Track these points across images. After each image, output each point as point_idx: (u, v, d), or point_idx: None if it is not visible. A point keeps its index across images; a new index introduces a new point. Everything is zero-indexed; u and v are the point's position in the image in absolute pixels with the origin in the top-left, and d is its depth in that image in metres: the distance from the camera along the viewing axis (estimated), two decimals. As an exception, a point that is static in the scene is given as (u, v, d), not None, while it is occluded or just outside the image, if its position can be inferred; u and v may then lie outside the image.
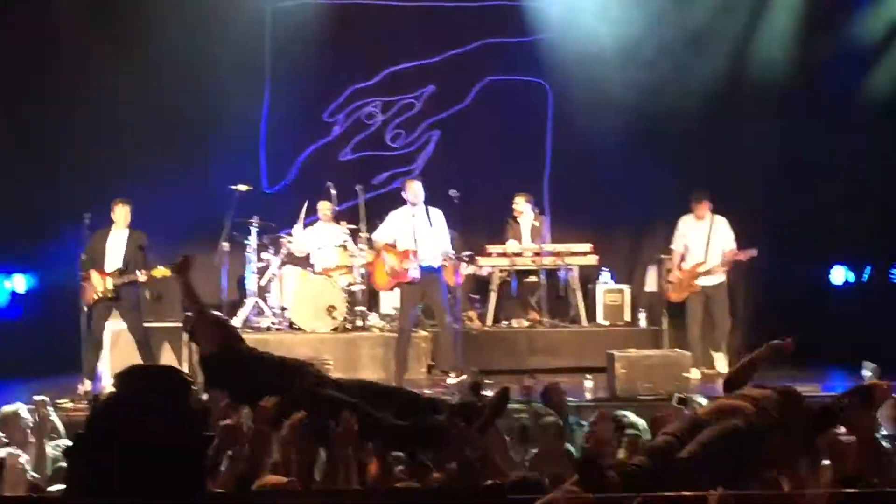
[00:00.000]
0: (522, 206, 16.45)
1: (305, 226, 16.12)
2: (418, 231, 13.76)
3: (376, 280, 14.45)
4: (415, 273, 13.66)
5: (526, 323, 16.02)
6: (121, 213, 14.01)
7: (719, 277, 14.93)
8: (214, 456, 5.95)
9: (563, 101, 17.70)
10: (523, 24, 17.63)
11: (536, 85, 17.81)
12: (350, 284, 15.57)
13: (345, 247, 15.84)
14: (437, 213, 13.83)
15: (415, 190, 13.86)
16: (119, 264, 13.82)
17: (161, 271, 13.59)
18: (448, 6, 17.47)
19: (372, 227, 15.76)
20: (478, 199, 15.52)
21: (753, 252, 14.76)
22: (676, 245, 15.25)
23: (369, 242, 15.68)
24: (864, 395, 6.76)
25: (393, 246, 13.97)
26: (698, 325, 14.93)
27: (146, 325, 14.15)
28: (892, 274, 16.87)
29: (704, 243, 15.01)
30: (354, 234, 15.80)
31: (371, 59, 17.57)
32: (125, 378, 2.65)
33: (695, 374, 14.07)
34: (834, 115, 16.70)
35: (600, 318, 16.30)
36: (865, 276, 16.93)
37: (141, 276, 13.59)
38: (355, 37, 17.34)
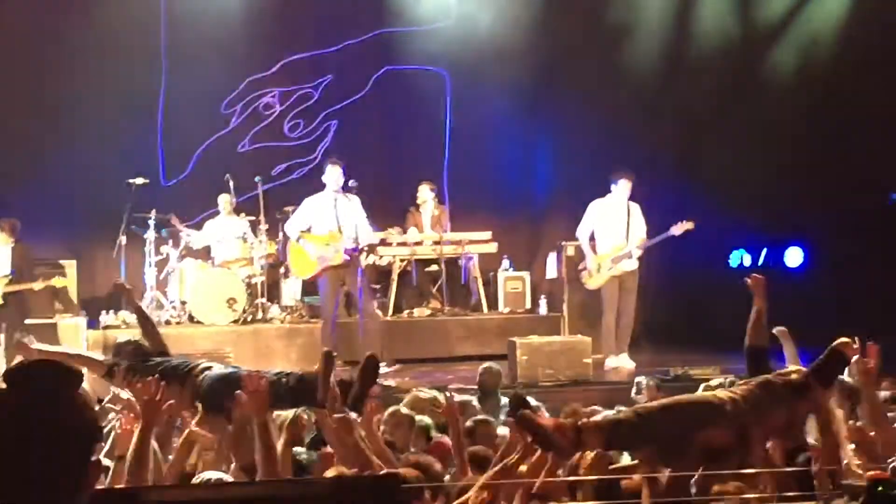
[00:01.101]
0: (426, 195, 16.44)
1: (200, 222, 16.04)
2: (341, 216, 13.42)
3: (298, 269, 14.10)
4: (341, 257, 13.36)
5: (427, 312, 16.03)
6: (3, 237, 13.92)
7: (633, 264, 14.45)
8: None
9: (462, 88, 17.74)
10: (420, 13, 17.64)
11: (434, 73, 17.82)
12: (250, 276, 15.50)
13: (244, 239, 15.76)
14: (355, 200, 13.64)
15: (335, 173, 13.54)
16: (6, 272, 13.75)
17: (61, 281, 13.68)
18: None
19: (272, 219, 15.73)
20: (377, 189, 15.50)
21: (689, 225, 14.13)
22: (585, 229, 14.68)
23: (269, 234, 15.64)
24: (838, 360, 6.92)
25: (308, 231, 13.70)
26: (614, 312, 14.45)
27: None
28: (789, 256, 17.15)
29: (624, 226, 14.46)
30: (254, 226, 15.73)
31: (268, 49, 17.46)
32: (11, 375, 2.63)
33: (612, 361, 14.10)
34: (743, 93, 16.93)
35: (501, 306, 16.35)
36: (761, 259, 17.18)
37: (37, 285, 13.57)
38: (251, 26, 17.23)
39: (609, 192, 14.52)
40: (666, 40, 17.51)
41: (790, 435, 6.67)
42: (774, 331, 8.08)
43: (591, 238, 14.70)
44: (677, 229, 14.14)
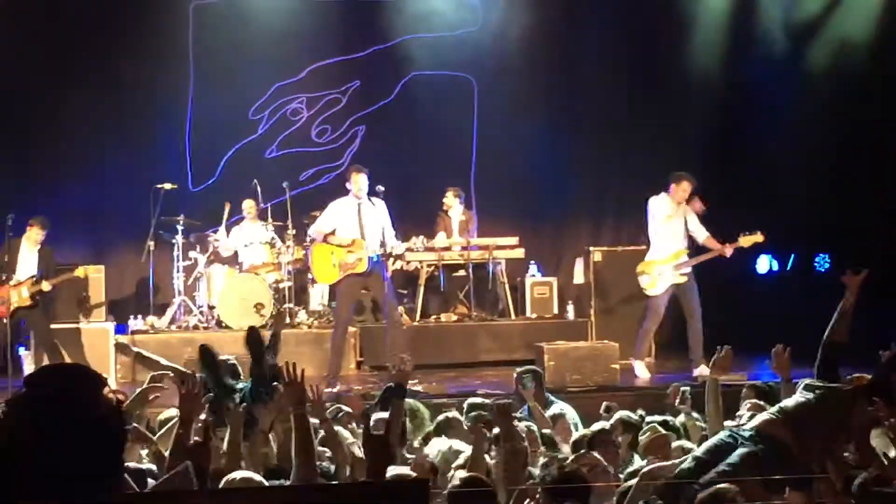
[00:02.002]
0: (451, 201, 16.46)
1: (229, 226, 16.08)
2: (366, 222, 13.27)
3: (319, 274, 13.93)
4: (364, 265, 13.17)
5: (454, 317, 16.03)
6: (34, 235, 13.93)
7: (688, 269, 13.84)
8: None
9: (489, 94, 17.75)
10: (447, 19, 17.65)
11: (462, 79, 17.83)
12: (277, 281, 15.54)
13: (272, 244, 15.80)
14: (381, 205, 13.56)
15: (361, 181, 13.34)
16: (33, 272, 13.83)
17: (82, 270, 13.76)
18: (371, 1, 17.49)
19: (299, 224, 15.76)
20: (405, 194, 15.53)
21: (759, 237, 13.53)
22: (653, 230, 13.94)
23: (297, 239, 15.67)
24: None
25: (333, 233, 13.61)
26: (657, 320, 13.91)
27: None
28: (817, 262, 17.08)
29: (683, 230, 13.89)
30: (281, 232, 15.77)
31: (295, 55, 17.50)
32: (36, 378, 2.65)
33: (641, 371, 13.80)
34: (757, 104, 16.90)
35: (528, 312, 16.34)
36: (790, 265, 17.14)
37: (46, 286, 13.64)
38: (279, 33, 17.27)
39: (665, 191, 13.89)
40: (694, 46, 17.46)
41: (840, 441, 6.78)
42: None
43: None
44: (746, 241, 13.60)
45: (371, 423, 7.65)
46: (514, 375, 10.48)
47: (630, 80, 17.47)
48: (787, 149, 16.79)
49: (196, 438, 5.89)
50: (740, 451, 6.78)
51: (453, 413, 8.79)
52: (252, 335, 8.10)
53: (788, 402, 7.21)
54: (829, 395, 7.14)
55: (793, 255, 17.11)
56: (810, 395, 7.15)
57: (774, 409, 7.25)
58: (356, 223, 13.24)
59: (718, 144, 17.09)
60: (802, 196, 16.60)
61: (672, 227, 13.84)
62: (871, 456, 6.69)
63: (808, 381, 7.37)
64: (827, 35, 17.34)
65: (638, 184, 16.14)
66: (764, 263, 17.09)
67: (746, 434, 6.94)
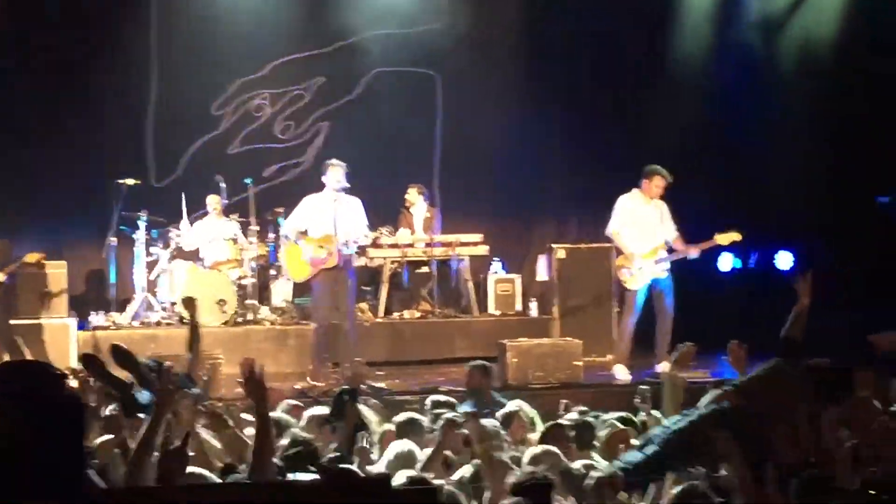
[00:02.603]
0: (414, 197, 16.46)
1: (193, 220, 16.01)
2: (339, 217, 13.12)
3: (292, 271, 13.86)
4: (335, 260, 13.06)
5: (417, 314, 16.03)
6: None
7: (666, 265, 13.80)
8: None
9: (453, 91, 17.74)
10: (411, 15, 17.62)
11: (425, 75, 17.82)
12: (240, 278, 15.51)
13: (235, 240, 15.76)
14: (356, 201, 13.50)
15: (338, 175, 13.21)
16: None
17: (33, 256, 13.74)
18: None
19: (262, 221, 15.73)
20: (368, 191, 15.47)
21: (736, 236, 13.64)
22: (617, 226, 13.85)
23: (260, 235, 15.64)
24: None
25: (305, 233, 13.56)
26: (636, 315, 13.72)
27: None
28: (779, 260, 17.16)
29: (657, 225, 13.80)
30: (244, 228, 15.73)
31: (258, 50, 17.44)
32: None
33: (622, 373, 13.53)
34: (726, 102, 16.96)
35: (491, 308, 16.35)
36: (752, 263, 17.20)
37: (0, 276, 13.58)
38: (242, 29, 17.21)
39: (636, 187, 13.90)
40: (657, 41, 17.48)
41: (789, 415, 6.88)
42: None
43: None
44: (723, 238, 13.64)
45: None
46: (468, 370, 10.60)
47: (596, 77, 17.48)
48: (751, 147, 16.85)
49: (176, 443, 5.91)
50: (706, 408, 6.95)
51: (417, 416, 8.77)
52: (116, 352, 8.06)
53: (741, 378, 7.34)
54: (780, 370, 7.21)
55: (755, 253, 17.16)
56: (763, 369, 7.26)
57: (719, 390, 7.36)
58: (330, 218, 13.12)
59: (682, 142, 17.10)
60: (766, 193, 16.67)
61: (648, 223, 13.82)
62: (815, 441, 6.77)
63: None
64: (797, 30, 17.40)
65: (602, 181, 16.17)
66: (727, 261, 17.14)
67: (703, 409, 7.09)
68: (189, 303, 9.23)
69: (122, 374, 7.98)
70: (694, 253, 13.67)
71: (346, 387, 7.98)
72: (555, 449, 7.38)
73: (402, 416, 8.65)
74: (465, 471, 6.87)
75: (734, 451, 6.30)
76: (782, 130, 16.97)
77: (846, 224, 16.28)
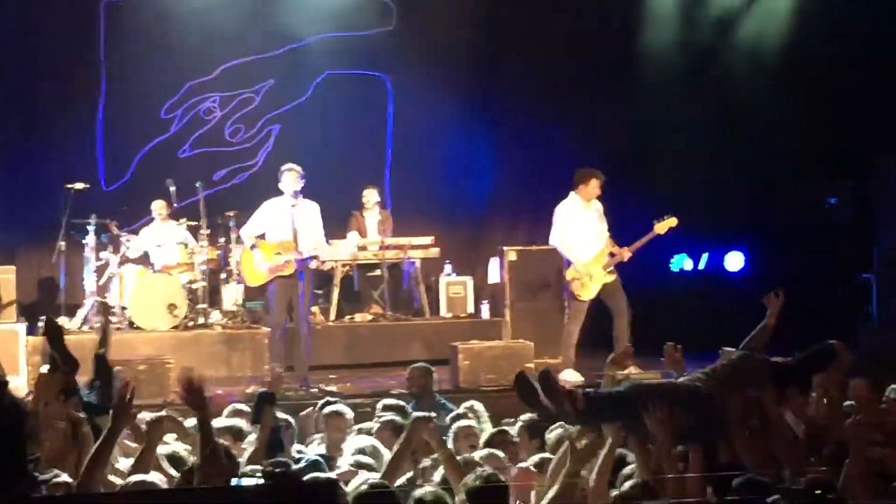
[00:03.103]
0: (374, 198, 16.44)
1: (138, 228, 15.94)
2: (297, 224, 13.06)
3: (248, 276, 13.81)
4: (292, 267, 13.01)
5: (369, 317, 16.02)
6: None
7: (613, 266, 13.77)
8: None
9: (404, 94, 17.74)
10: (362, 18, 17.61)
11: (376, 78, 17.81)
12: (191, 282, 15.44)
13: (185, 244, 15.69)
14: (314, 206, 13.46)
15: (293, 179, 13.14)
16: None
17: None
18: (284, 0, 17.41)
19: (213, 224, 15.67)
20: (319, 194, 15.43)
21: (673, 221, 13.61)
22: (560, 235, 13.89)
23: (210, 239, 15.58)
24: (827, 355, 7.48)
25: (262, 238, 13.53)
26: (580, 322, 13.74)
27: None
28: (730, 261, 17.26)
29: (600, 228, 13.86)
30: (195, 231, 15.66)
31: (208, 53, 17.36)
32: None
33: (572, 376, 13.34)
34: (670, 103, 17.01)
35: (443, 311, 16.36)
36: (703, 264, 17.29)
37: None
38: (192, 31, 17.12)
39: (569, 193, 13.97)
40: (610, 45, 17.52)
41: (762, 413, 6.94)
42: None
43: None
44: (661, 227, 13.72)
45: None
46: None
47: (547, 79, 17.50)
48: (700, 148, 16.92)
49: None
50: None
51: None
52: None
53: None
54: (746, 359, 7.31)
55: (706, 254, 17.26)
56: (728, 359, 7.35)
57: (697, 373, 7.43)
58: (288, 224, 13.07)
59: (631, 143, 17.17)
60: (717, 195, 16.75)
61: (590, 227, 13.85)
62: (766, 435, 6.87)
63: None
64: (740, 32, 17.49)
65: (553, 183, 16.20)
66: (678, 262, 17.23)
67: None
68: (104, 308, 9.12)
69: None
70: (627, 255, 13.72)
71: (265, 391, 7.92)
72: (499, 453, 7.41)
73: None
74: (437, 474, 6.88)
75: (664, 429, 6.42)
76: (732, 131, 17.02)
77: (796, 225, 16.39)
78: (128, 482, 6.07)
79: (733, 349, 8.24)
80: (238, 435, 8.26)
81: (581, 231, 13.83)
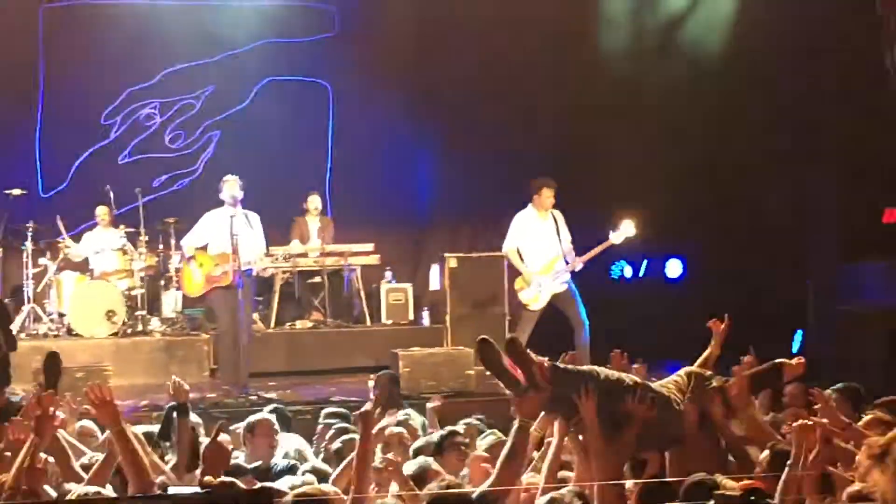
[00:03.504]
0: (315, 205, 16.42)
1: (80, 233, 15.82)
2: (238, 234, 12.90)
3: (188, 286, 13.84)
4: (229, 278, 12.92)
5: (309, 324, 15.99)
6: None
7: (566, 276, 13.85)
8: None
9: (345, 101, 17.72)
10: (303, 25, 17.58)
11: (317, 85, 17.79)
12: (130, 289, 15.34)
13: (124, 251, 15.59)
14: (255, 217, 13.44)
15: (232, 189, 13.17)
16: None
17: None
18: (225, 6, 17.34)
19: (152, 231, 15.58)
20: (260, 200, 15.38)
21: (631, 231, 13.77)
22: (513, 244, 14.03)
23: (149, 246, 15.50)
24: (775, 375, 7.60)
25: (204, 249, 13.48)
26: (528, 332, 13.67)
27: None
28: (670, 268, 17.34)
29: (554, 238, 13.85)
30: (134, 238, 15.57)
31: (148, 59, 17.27)
32: None
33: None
34: (613, 108, 17.05)
35: (384, 318, 16.35)
36: (643, 271, 17.37)
37: None
38: (132, 37, 17.03)
39: (525, 202, 14.05)
40: (547, 52, 17.55)
41: (706, 428, 6.99)
42: None
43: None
44: (617, 237, 13.78)
45: None
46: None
47: (487, 86, 17.51)
48: (640, 154, 16.98)
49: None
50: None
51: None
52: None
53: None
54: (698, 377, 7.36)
55: (646, 261, 17.34)
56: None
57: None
58: (227, 235, 12.99)
59: (572, 150, 17.21)
60: (656, 201, 16.81)
61: (543, 236, 13.90)
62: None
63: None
64: (684, 35, 17.56)
65: (494, 190, 16.27)
66: (619, 269, 17.31)
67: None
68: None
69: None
70: (579, 265, 13.76)
71: (174, 403, 7.85)
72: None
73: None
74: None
75: (593, 422, 6.45)
76: (672, 138, 17.08)
77: (735, 231, 16.49)
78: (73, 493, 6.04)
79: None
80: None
81: (533, 241, 13.91)
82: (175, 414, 7.71)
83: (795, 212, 16.41)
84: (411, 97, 17.57)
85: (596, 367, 7.05)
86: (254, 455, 8.22)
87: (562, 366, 6.85)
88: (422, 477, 6.92)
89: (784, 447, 6.36)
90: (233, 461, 7.13)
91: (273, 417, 8.79)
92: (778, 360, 7.74)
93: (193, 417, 8.84)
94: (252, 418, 8.72)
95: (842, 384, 8.59)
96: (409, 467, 7.14)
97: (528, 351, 6.65)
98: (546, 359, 6.72)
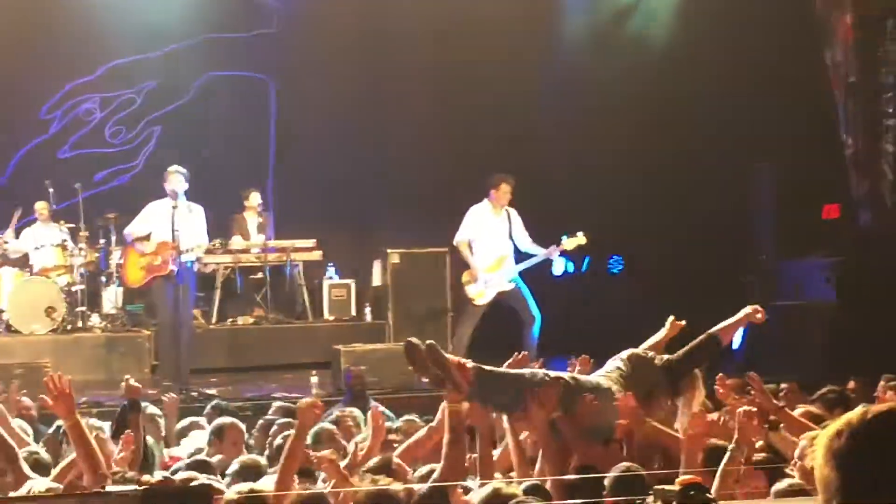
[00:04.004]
0: (256, 201, 16.37)
1: (19, 228, 15.69)
2: (179, 226, 12.92)
3: (128, 276, 13.78)
4: (172, 267, 12.93)
5: (251, 320, 15.94)
6: None
7: (514, 274, 13.94)
8: None
9: (287, 96, 17.66)
10: (244, 19, 17.52)
11: (259, 80, 17.72)
12: (70, 284, 15.23)
13: (64, 246, 15.47)
14: (198, 209, 13.39)
15: (176, 181, 13.11)
16: None
17: None
18: (166, 1, 17.25)
19: (92, 226, 15.48)
20: (202, 195, 15.32)
21: (582, 239, 13.80)
22: (465, 237, 13.98)
23: (89, 241, 15.40)
24: (712, 346, 7.98)
25: (146, 239, 13.39)
26: (472, 327, 13.88)
27: None
28: (611, 264, 17.39)
29: (506, 235, 13.90)
30: (74, 234, 15.46)
31: (89, 54, 17.16)
32: None
33: None
34: (552, 105, 17.10)
35: (326, 314, 16.32)
36: (584, 267, 17.40)
37: None
38: (72, 31, 16.92)
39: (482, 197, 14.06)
40: (493, 48, 17.57)
41: (650, 408, 7.11)
42: None
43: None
44: (570, 243, 13.82)
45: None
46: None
47: (429, 82, 17.53)
48: (575, 151, 17.03)
49: None
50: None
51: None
52: None
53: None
54: (638, 359, 7.49)
55: (587, 257, 17.38)
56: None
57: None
58: (169, 226, 12.97)
59: (516, 146, 17.23)
60: (597, 198, 16.87)
61: (494, 233, 13.91)
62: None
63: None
64: (624, 35, 17.61)
65: (436, 185, 16.29)
66: (559, 265, 17.32)
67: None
68: None
69: None
70: (555, 254, 13.80)
71: (128, 401, 7.83)
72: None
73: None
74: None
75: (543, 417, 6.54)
76: (612, 134, 17.14)
77: (675, 227, 16.57)
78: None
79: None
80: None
81: (485, 237, 13.91)
82: (128, 411, 7.70)
83: (736, 208, 16.52)
84: (353, 92, 17.54)
85: (526, 370, 7.17)
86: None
87: (486, 368, 7.03)
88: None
89: (719, 443, 6.42)
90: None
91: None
92: (712, 331, 7.87)
93: (154, 410, 8.89)
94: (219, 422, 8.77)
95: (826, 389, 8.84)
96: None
97: (447, 354, 6.90)
98: (469, 361, 6.88)
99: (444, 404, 6.84)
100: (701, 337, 7.85)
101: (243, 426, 8.72)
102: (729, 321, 8.20)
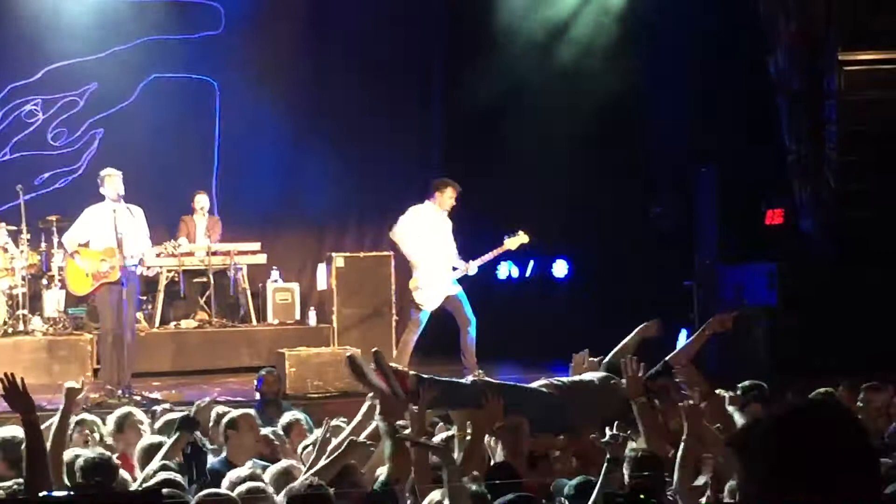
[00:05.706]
0: (203, 203, 16.30)
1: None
2: (121, 229, 12.75)
3: (74, 284, 13.48)
4: (117, 273, 12.74)
5: (194, 323, 15.88)
6: None
7: (456, 278, 13.86)
8: None
9: (232, 99, 17.60)
10: (189, 21, 17.44)
11: (204, 82, 17.64)
12: (11, 287, 15.11)
13: (5, 249, 15.34)
14: (138, 210, 13.27)
15: (115, 184, 12.91)
16: None
17: None
18: (109, 2, 17.14)
19: (34, 229, 15.37)
20: (146, 198, 15.22)
21: (524, 238, 13.73)
22: (401, 230, 13.82)
23: (31, 244, 15.28)
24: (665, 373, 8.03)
25: (86, 246, 13.26)
26: (417, 331, 13.75)
27: None
28: (555, 268, 17.44)
29: (448, 239, 13.77)
30: (15, 236, 15.34)
31: (30, 56, 17.03)
32: None
33: None
34: (500, 106, 17.10)
35: (270, 318, 16.28)
36: (529, 271, 17.45)
37: None
38: (12, 33, 16.80)
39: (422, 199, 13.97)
40: (437, 49, 17.58)
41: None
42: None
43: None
44: (512, 243, 13.77)
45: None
46: None
47: (374, 87, 17.52)
48: (525, 152, 17.06)
49: None
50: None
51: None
52: None
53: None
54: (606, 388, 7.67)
55: (532, 261, 17.42)
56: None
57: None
58: (111, 230, 12.82)
59: (458, 148, 17.25)
60: (540, 202, 16.91)
61: (438, 236, 13.80)
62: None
63: None
64: (572, 35, 17.62)
65: (384, 190, 16.29)
66: (504, 269, 17.37)
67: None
68: None
69: None
70: (473, 269, 13.78)
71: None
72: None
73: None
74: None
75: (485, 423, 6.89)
76: (558, 140, 17.16)
77: (621, 233, 16.62)
78: None
79: (586, 355, 8.46)
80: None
81: (428, 239, 13.75)
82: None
83: (679, 213, 16.58)
84: (299, 95, 17.53)
85: (469, 378, 7.37)
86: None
87: (426, 376, 7.46)
88: None
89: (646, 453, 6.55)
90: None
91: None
92: (667, 358, 8.01)
93: (88, 416, 8.86)
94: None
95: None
96: None
97: (391, 364, 7.41)
98: (410, 370, 7.25)
99: (367, 405, 7.27)
100: (658, 366, 8.04)
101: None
102: (693, 338, 8.40)
